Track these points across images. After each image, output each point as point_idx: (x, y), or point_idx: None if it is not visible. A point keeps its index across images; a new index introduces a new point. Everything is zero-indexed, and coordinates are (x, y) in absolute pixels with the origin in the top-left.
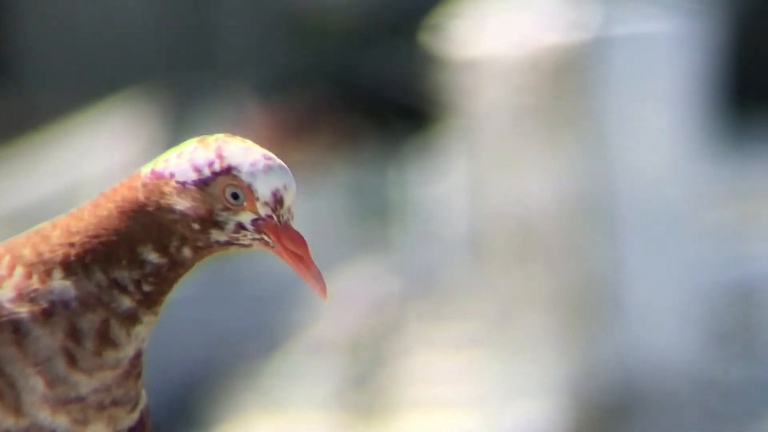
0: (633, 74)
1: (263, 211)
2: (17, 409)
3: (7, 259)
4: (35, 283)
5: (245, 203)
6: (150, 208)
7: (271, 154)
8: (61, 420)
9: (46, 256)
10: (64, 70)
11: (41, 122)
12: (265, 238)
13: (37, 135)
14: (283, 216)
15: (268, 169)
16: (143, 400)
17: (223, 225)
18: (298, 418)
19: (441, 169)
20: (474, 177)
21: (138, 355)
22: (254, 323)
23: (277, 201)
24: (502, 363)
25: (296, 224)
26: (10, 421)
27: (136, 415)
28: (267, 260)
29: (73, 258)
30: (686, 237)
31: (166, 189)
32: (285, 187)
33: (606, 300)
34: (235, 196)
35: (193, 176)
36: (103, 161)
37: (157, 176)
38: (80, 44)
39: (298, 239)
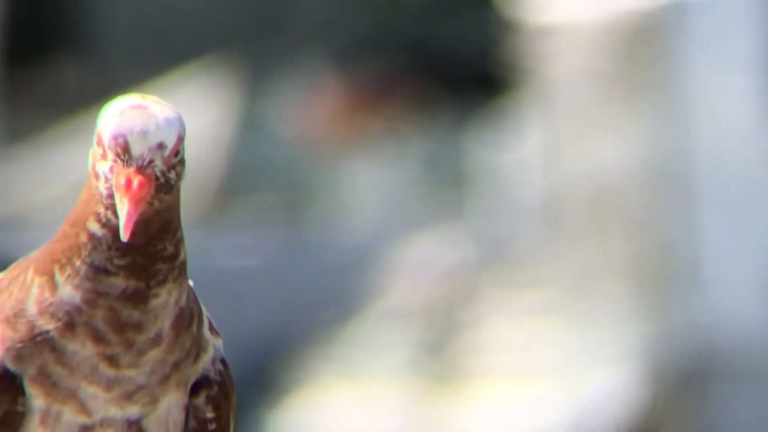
0: (711, 39)
1: (110, 156)
2: (86, 411)
3: (31, 270)
4: (48, 294)
5: (101, 150)
6: (90, 175)
7: (150, 102)
8: (132, 409)
9: (48, 262)
10: (139, 39)
11: (116, 91)
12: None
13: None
14: (132, 163)
15: (116, 114)
16: (210, 346)
17: (98, 175)
18: (372, 385)
19: (516, 136)
20: (550, 144)
21: (179, 316)
22: (329, 291)
23: (119, 146)
24: (577, 331)
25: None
26: (83, 418)
27: (202, 366)
28: (343, 227)
29: (62, 258)
30: (764, 203)
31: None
32: (132, 132)
33: (682, 267)
34: (98, 144)
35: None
36: None
37: None
38: (155, 12)
39: (133, 180)
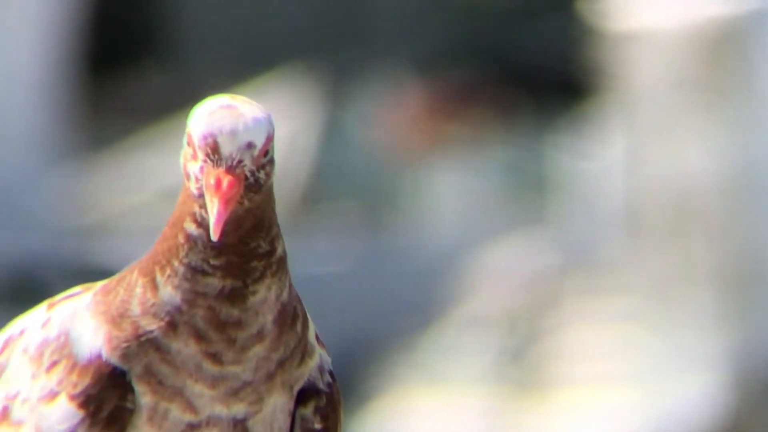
0: None
1: (200, 156)
2: (192, 410)
3: (136, 272)
4: (150, 295)
5: (191, 150)
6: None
7: (239, 102)
8: (238, 407)
9: (149, 266)
10: (223, 47)
11: (201, 98)
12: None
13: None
14: (222, 163)
15: (206, 114)
16: (317, 353)
17: (189, 176)
18: (454, 391)
19: (599, 142)
20: (632, 151)
21: (281, 312)
22: (411, 297)
23: (209, 146)
24: (660, 338)
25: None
26: (190, 416)
27: (308, 371)
28: (424, 233)
29: (162, 260)
30: None
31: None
32: (221, 132)
33: (766, 273)
34: (188, 145)
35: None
36: None
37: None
38: (239, 21)
39: (223, 180)
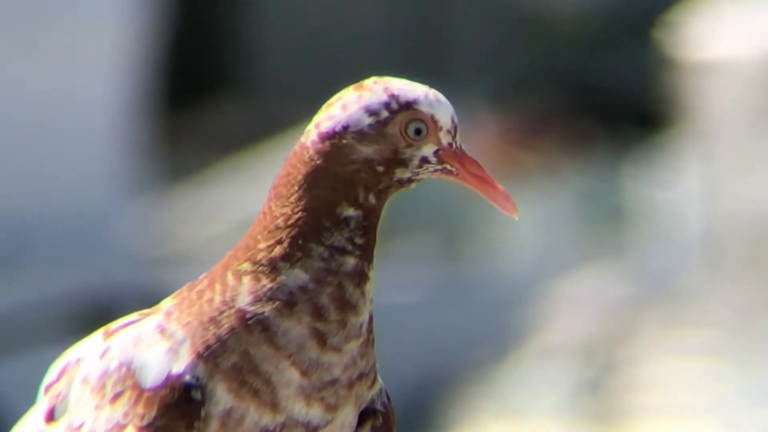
0: None
1: (445, 140)
2: (274, 405)
3: (229, 274)
4: (266, 282)
5: (428, 135)
6: (332, 169)
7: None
8: (315, 410)
9: (264, 259)
10: (298, 79)
11: (278, 130)
12: (448, 167)
13: (274, 142)
14: (458, 142)
15: (441, 98)
16: (380, 382)
17: (407, 162)
18: (530, 424)
19: (675, 172)
20: (709, 180)
21: (370, 320)
22: (486, 328)
23: (455, 127)
24: (739, 371)
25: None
26: (268, 417)
27: (374, 392)
28: (500, 264)
29: (288, 248)
30: None
31: (344, 142)
32: (455, 114)
33: None
34: (418, 131)
35: (369, 121)
36: None
37: (329, 136)
38: (315, 53)
39: (477, 163)
